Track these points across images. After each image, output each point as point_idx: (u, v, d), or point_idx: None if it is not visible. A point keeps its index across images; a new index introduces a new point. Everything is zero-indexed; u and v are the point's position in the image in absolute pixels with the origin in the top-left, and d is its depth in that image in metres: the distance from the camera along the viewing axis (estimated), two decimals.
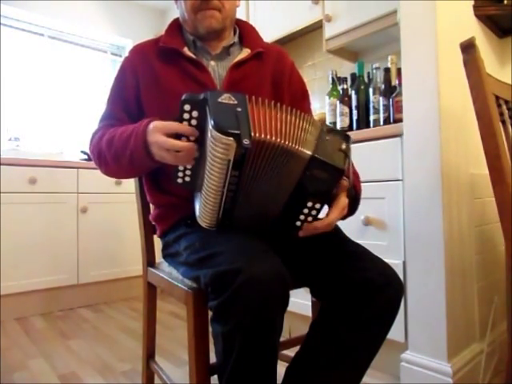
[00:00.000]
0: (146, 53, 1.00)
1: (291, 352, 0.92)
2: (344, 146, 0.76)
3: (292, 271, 0.73)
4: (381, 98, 1.60)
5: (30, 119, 2.75)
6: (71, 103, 2.92)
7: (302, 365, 0.83)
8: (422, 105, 1.25)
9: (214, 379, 0.79)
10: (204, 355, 0.82)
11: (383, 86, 1.63)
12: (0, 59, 2.61)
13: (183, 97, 0.73)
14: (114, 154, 0.89)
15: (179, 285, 0.90)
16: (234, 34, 1.07)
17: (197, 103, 0.72)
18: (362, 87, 1.72)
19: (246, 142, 0.67)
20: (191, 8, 0.97)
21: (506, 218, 0.88)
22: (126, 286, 2.61)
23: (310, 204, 0.76)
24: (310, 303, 1.09)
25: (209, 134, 0.69)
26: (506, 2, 1.44)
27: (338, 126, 1.77)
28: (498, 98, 0.96)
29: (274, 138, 0.71)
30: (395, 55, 1.65)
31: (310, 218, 0.78)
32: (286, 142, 0.72)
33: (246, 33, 1.08)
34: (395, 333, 1.26)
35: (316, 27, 2.06)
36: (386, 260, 0.85)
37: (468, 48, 0.91)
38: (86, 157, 2.64)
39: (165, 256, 1.04)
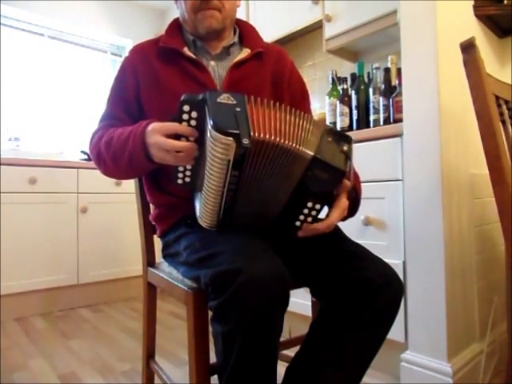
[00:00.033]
0: (146, 53, 1.00)
1: (291, 352, 0.92)
2: (346, 148, 0.76)
3: (292, 271, 0.73)
4: (381, 98, 1.60)
5: (30, 119, 2.75)
6: (71, 103, 2.92)
7: (302, 365, 0.83)
8: (421, 105, 1.25)
9: (214, 379, 0.79)
10: (204, 355, 0.82)
11: (383, 86, 1.63)
12: (0, 59, 2.61)
13: (182, 97, 0.73)
14: (113, 155, 0.89)
15: (179, 285, 0.89)
16: (234, 34, 1.07)
17: (196, 103, 0.72)
18: (362, 87, 1.72)
19: (245, 141, 0.67)
20: (191, 8, 0.97)
21: (506, 218, 0.88)
22: (126, 286, 2.61)
23: (309, 204, 0.76)
24: (310, 303, 1.09)
25: (208, 135, 0.69)
26: (506, 1, 1.44)
27: (338, 126, 1.77)
28: (497, 97, 0.96)
29: (273, 138, 0.71)
30: (395, 55, 1.65)
31: (309, 219, 0.78)
32: (287, 142, 0.72)
33: (246, 33, 1.08)
34: (395, 333, 1.26)
35: (316, 27, 2.06)
36: (386, 260, 0.85)
37: (468, 48, 0.91)
38: (85, 157, 2.64)
39: (165, 256, 1.04)
